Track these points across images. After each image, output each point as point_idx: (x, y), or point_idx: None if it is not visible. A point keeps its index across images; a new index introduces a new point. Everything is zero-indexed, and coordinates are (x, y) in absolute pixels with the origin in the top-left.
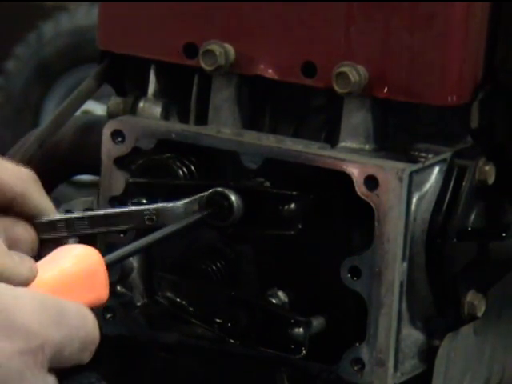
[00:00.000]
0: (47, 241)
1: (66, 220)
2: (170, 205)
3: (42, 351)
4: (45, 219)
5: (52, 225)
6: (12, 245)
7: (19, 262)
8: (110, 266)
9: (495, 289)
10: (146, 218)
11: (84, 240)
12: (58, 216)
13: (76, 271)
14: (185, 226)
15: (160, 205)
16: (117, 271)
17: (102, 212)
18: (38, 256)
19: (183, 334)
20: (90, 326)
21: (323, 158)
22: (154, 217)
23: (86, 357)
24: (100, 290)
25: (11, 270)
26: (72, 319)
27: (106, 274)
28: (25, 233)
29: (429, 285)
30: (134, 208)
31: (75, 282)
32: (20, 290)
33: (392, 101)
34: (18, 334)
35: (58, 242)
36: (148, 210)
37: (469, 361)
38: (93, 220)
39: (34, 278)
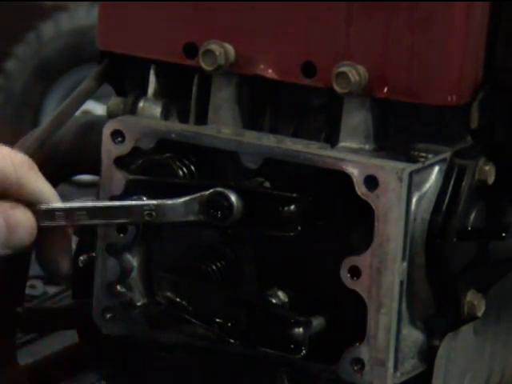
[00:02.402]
0: (46, 229)
1: (65, 209)
2: (169, 202)
3: None
4: (44, 207)
5: (51, 213)
6: (11, 229)
7: None
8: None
9: (495, 289)
10: (146, 213)
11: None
12: (57, 205)
13: None
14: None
15: (160, 201)
16: (116, 271)
17: (101, 204)
18: (36, 243)
19: (183, 333)
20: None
21: (323, 157)
22: (154, 213)
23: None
24: None
25: None
26: None
27: None
28: (24, 218)
29: (429, 285)
30: (133, 202)
31: None
32: None
33: (392, 101)
34: None
35: (57, 231)
36: (148, 205)
37: (469, 361)
38: (92, 211)
39: None
